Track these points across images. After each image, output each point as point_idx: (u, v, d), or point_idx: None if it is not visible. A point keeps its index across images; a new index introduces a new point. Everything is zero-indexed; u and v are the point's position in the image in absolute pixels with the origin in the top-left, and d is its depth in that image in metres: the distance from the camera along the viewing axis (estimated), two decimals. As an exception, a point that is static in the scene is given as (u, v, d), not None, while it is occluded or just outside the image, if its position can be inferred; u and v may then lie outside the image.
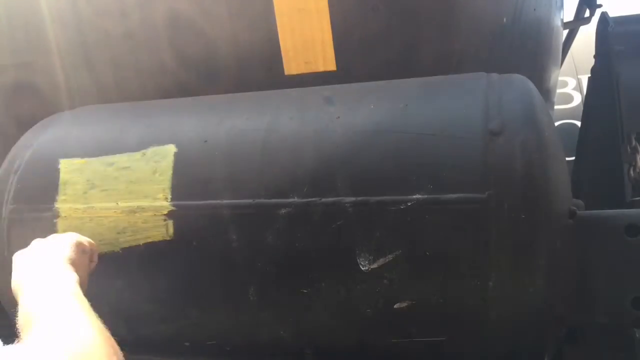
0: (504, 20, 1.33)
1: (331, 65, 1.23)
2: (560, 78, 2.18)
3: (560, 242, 0.89)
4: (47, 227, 1.06)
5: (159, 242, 1.00)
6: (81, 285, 0.84)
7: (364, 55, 1.24)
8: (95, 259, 0.98)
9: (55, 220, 1.06)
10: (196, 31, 1.30)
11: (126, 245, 1.01)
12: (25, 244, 1.07)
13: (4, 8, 1.40)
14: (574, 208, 0.92)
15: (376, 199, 0.91)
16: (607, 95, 1.43)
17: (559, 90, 2.25)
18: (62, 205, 1.06)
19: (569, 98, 2.82)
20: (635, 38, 1.46)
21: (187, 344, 1.06)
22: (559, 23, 1.76)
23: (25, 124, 1.26)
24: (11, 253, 1.08)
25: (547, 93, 1.67)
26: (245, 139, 1.02)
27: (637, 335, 1.11)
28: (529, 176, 0.89)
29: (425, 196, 0.89)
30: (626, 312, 0.91)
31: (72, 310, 0.74)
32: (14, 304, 1.12)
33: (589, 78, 1.69)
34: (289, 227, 0.94)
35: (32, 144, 1.16)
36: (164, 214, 1.00)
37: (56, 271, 0.84)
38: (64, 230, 1.05)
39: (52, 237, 0.96)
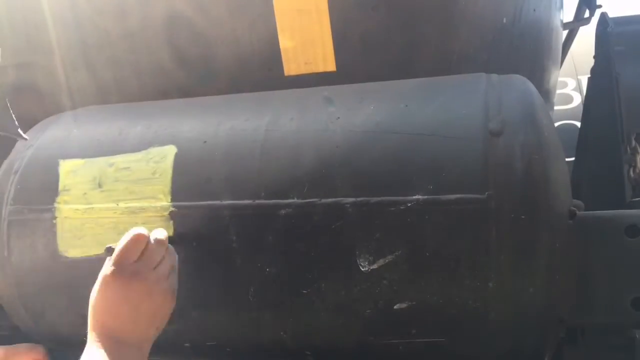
0: (504, 20, 1.33)
1: (331, 66, 1.23)
2: (560, 79, 2.18)
3: (560, 242, 0.89)
4: (47, 228, 1.06)
5: (159, 242, 1.00)
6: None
7: (364, 55, 1.24)
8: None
9: (55, 221, 1.06)
10: (196, 31, 1.30)
11: (126, 245, 1.01)
12: (25, 244, 1.08)
13: (4, 8, 1.40)
14: (574, 209, 0.92)
15: (376, 200, 0.91)
16: (606, 96, 1.43)
17: (558, 91, 2.25)
18: (62, 205, 1.06)
19: (568, 99, 2.82)
20: (635, 38, 1.46)
21: (187, 344, 1.06)
22: (559, 23, 1.76)
23: (25, 124, 1.26)
24: (11, 253, 1.09)
25: (546, 94, 1.67)
26: (245, 140, 1.02)
27: (637, 336, 1.11)
28: (528, 176, 0.89)
29: (425, 196, 0.89)
30: (626, 313, 0.91)
31: None
32: (13, 304, 1.13)
33: (588, 78, 1.69)
34: (289, 227, 0.94)
35: (32, 144, 1.16)
36: (164, 215, 1.00)
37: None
38: (65, 231, 1.05)
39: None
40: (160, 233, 0.92)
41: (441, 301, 0.91)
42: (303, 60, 1.24)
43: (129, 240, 0.88)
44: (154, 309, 0.88)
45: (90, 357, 0.81)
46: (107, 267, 0.87)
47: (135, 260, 0.87)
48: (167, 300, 0.90)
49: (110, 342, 0.83)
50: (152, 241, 0.90)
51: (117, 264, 0.86)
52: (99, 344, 0.82)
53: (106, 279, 0.86)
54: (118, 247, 0.88)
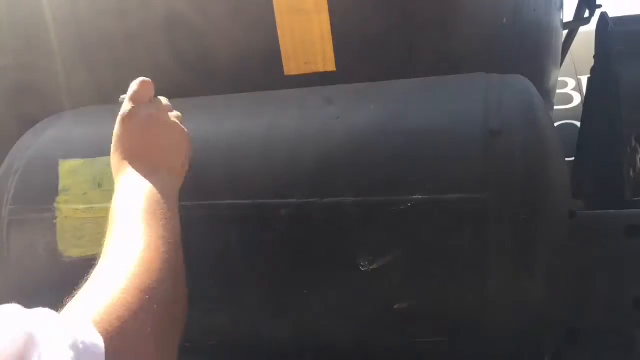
0: (504, 20, 1.33)
1: (331, 65, 1.22)
2: (560, 79, 2.18)
3: (560, 242, 0.89)
4: (47, 228, 1.06)
5: (159, 242, 1.00)
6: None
7: (364, 55, 1.24)
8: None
9: (55, 221, 1.06)
10: (196, 31, 1.30)
11: (126, 245, 1.01)
12: (25, 244, 1.08)
13: (4, 9, 1.40)
14: (574, 208, 0.92)
15: (376, 199, 0.91)
16: (607, 96, 1.43)
17: (558, 91, 2.25)
18: (62, 205, 1.06)
19: (568, 98, 2.81)
20: (635, 38, 1.46)
21: (187, 344, 1.06)
22: (559, 23, 1.76)
23: (26, 124, 1.26)
24: (11, 254, 1.09)
25: (546, 93, 1.66)
26: (245, 140, 1.02)
27: (638, 336, 1.11)
28: (528, 176, 0.89)
29: (425, 196, 0.89)
30: (626, 313, 0.91)
31: (131, 235, 0.72)
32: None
33: (588, 78, 1.69)
34: (289, 227, 0.94)
35: (32, 144, 1.16)
36: (164, 214, 1.00)
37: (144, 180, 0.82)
38: (65, 231, 1.05)
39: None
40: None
41: (441, 301, 0.91)
42: (303, 60, 1.24)
43: (139, 82, 0.91)
44: (177, 141, 0.89)
45: (128, 185, 0.80)
46: (124, 108, 0.89)
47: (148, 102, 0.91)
48: (187, 139, 0.92)
49: (142, 167, 0.82)
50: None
51: (134, 100, 0.89)
52: (131, 173, 0.81)
53: (125, 117, 0.88)
54: (131, 89, 0.90)
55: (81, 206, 1.05)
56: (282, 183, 0.96)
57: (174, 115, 0.94)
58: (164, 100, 0.96)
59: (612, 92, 1.39)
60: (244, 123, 1.05)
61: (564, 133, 2.35)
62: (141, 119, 0.88)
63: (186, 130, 0.93)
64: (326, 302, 0.95)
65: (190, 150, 0.93)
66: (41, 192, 1.08)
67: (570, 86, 2.88)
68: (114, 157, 0.88)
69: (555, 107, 2.30)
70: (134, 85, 0.91)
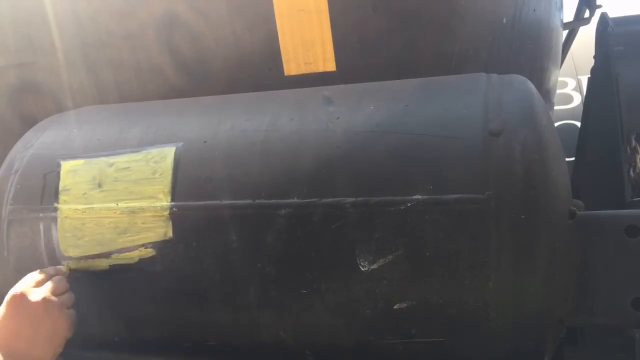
0: (504, 20, 1.33)
1: (331, 66, 1.23)
2: (560, 79, 2.18)
3: (560, 242, 0.89)
4: (47, 228, 1.06)
5: (159, 242, 1.00)
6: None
7: (364, 55, 1.24)
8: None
9: (55, 221, 1.06)
10: (196, 31, 1.30)
11: (126, 245, 1.01)
12: (25, 244, 1.08)
13: (6, 9, 1.40)
14: (574, 208, 0.92)
15: (376, 200, 0.91)
16: (606, 96, 1.43)
17: (558, 91, 2.25)
18: (62, 205, 1.06)
19: (568, 98, 2.82)
20: (635, 38, 1.46)
21: (187, 344, 1.06)
22: (559, 24, 1.76)
23: (27, 124, 1.26)
24: (11, 253, 1.09)
25: (547, 93, 1.67)
26: (245, 140, 1.02)
27: (637, 336, 1.11)
28: (528, 176, 0.89)
29: (425, 196, 0.89)
30: (626, 313, 0.91)
31: None
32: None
33: (588, 78, 1.69)
34: (289, 227, 0.94)
35: (32, 144, 1.16)
36: (164, 215, 1.00)
37: None
38: (65, 231, 1.05)
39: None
40: (61, 269, 1.02)
41: (441, 301, 0.91)
42: (303, 60, 1.24)
43: (34, 272, 0.99)
44: (53, 331, 0.94)
45: None
46: (17, 289, 0.95)
47: (41, 287, 0.96)
48: (68, 327, 0.97)
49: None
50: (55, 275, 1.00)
51: (26, 287, 0.95)
52: None
53: (14, 300, 0.94)
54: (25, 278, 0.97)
55: (81, 206, 1.05)
56: (282, 183, 0.96)
57: (68, 299, 0.98)
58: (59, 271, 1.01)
59: (612, 92, 1.39)
60: (245, 123, 1.05)
61: (564, 133, 2.35)
62: (28, 304, 0.93)
63: (73, 319, 0.97)
64: (326, 302, 0.95)
65: (69, 336, 0.97)
66: (41, 192, 1.09)
67: (571, 86, 2.88)
68: None
69: (555, 107, 2.30)
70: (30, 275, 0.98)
